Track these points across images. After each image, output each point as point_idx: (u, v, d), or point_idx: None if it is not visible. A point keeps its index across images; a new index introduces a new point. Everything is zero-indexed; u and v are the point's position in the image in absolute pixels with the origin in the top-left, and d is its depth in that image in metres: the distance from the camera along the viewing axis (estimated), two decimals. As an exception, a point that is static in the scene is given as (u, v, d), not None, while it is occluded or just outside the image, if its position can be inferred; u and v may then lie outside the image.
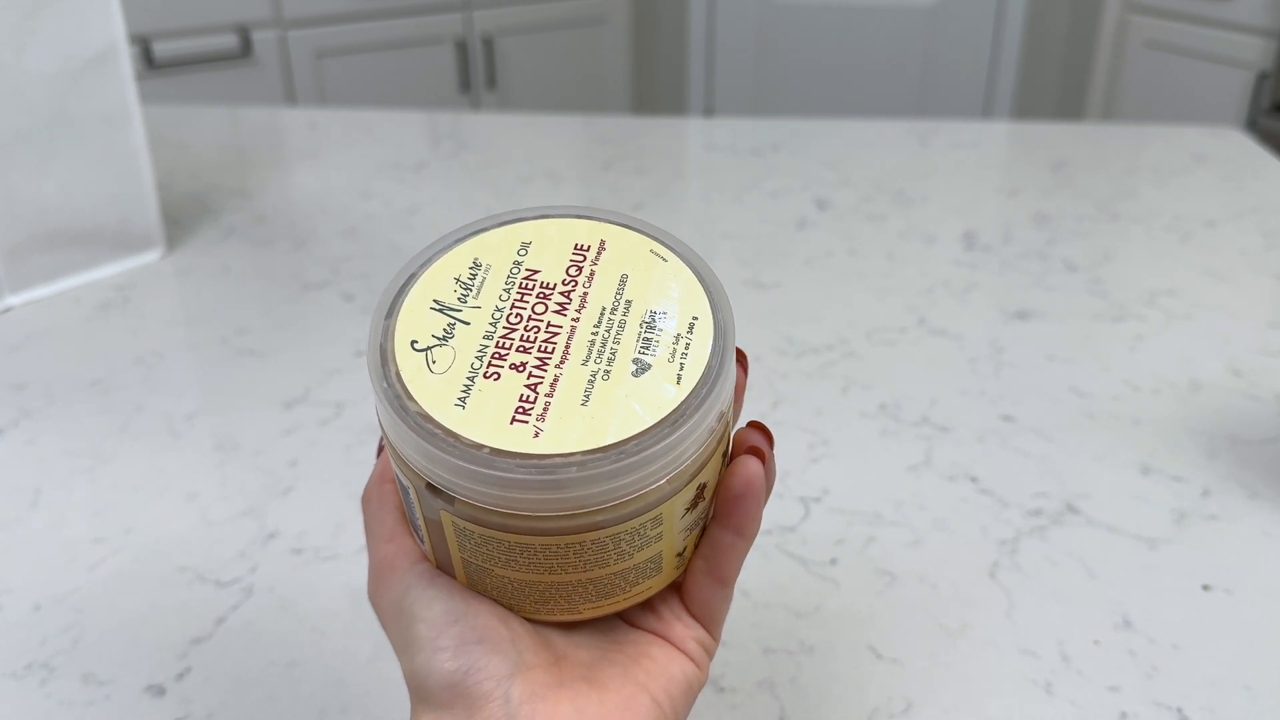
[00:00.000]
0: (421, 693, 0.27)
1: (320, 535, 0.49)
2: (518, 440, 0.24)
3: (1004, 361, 0.64)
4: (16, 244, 0.71)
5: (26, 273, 0.72)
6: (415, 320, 0.26)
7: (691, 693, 0.29)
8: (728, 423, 0.27)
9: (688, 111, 2.56)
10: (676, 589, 0.30)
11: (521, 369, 0.25)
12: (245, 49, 1.90)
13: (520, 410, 0.24)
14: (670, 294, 0.27)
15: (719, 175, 0.99)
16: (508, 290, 0.27)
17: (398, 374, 0.25)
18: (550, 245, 0.28)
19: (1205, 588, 0.46)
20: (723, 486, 0.28)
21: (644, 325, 0.26)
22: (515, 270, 0.27)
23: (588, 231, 0.29)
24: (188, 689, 0.41)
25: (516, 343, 0.26)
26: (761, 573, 0.46)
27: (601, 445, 0.24)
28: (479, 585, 0.28)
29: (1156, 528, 0.49)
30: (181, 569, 0.47)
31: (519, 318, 0.26)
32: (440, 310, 0.26)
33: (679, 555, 0.28)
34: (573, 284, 0.27)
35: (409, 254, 0.80)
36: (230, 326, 0.69)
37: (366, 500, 0.30)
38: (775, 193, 0.93)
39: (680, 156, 1.06)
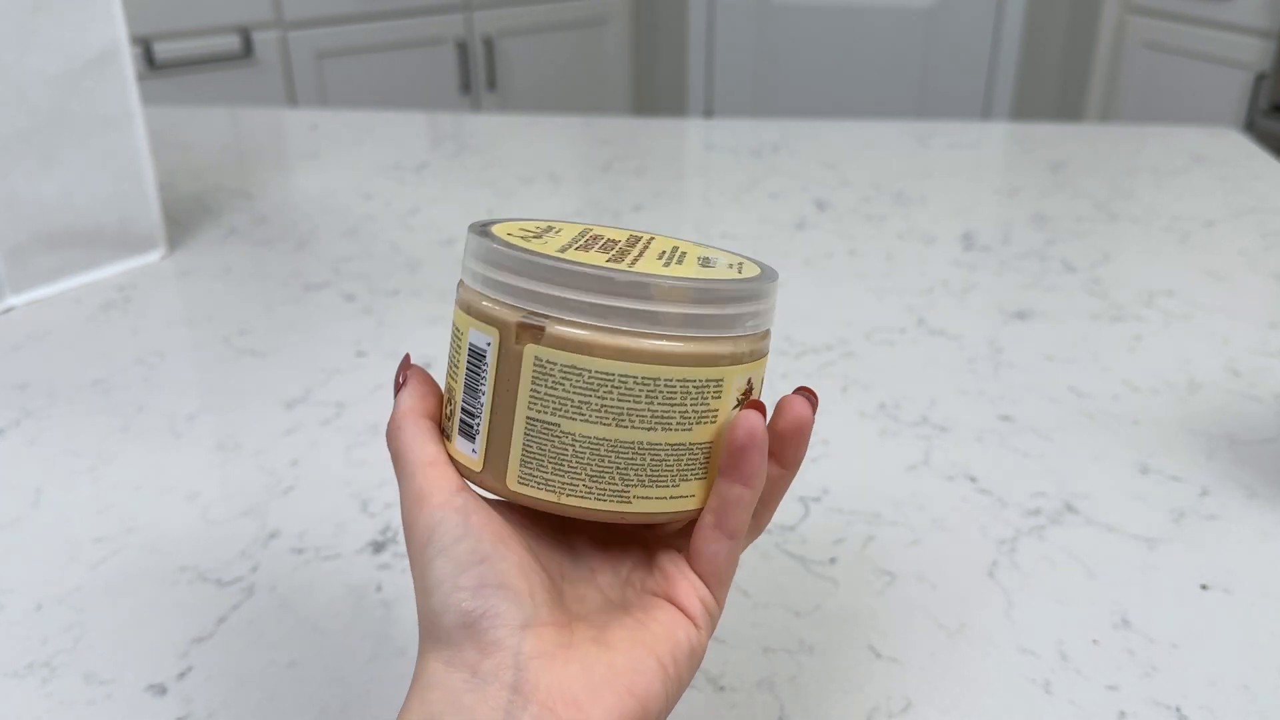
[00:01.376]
0: (434, 630, 0.27)
1: (321, 535, 0.49)
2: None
3: (1003, 361, 0.64)
4: (18, 244, 0.71)
5: (28, 273, 0.72)
6: (507, 230, 0.30)
7: (695, 657, 0.29)
8: (758, 379, 0.31)
9: (687, 112, 2.56)
10: (683, 551, 0.31)
11: (610, 247, 0.30)
12: (246, 50, 1.90)
13: (612, 260, 0.28)
14: (718, 251, 0.32)
15: (719, 176, 0.99)
16: (576, 240, 0.30)
17: (501, 239, 0.29)
18: (607, 231, 0.32)
19: (1204, 587, 0.46)
20: (727, 439, 0.29)
21: (700, 260, 0.30)
22: (581, 234, 0.31)
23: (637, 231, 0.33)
24: (189, 688, 0.41)
25: (600, 242, 0.30)
26: (761, 572, 0.47)
27: (705, 278, 0.28)
28: (536, 458, 0.28)
29: (1155, 527, 0.49)
30: (183, 568, 0.47)
31: (599, 235, 0.31)
32: (524, 237, 0.30)
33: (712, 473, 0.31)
34: (634, 241, 0.31)
35: (410, 254, 0.80)
36: (231, 326, 0.69)
37: (397, 430, 0.30)
38: (775, 193, 0.93)
39: (680, 157, 1.06)
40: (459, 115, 1.22)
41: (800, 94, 2.48)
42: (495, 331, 0.28)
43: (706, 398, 0.28)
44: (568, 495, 0.28)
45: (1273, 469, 0.54)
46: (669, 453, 0.29)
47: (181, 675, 0.41)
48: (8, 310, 0.71)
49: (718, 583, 0.30)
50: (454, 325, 0.30)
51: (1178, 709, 0.39)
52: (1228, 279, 0.76)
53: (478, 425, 0.29)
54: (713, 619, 0.30)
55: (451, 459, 0.30)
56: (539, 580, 0.28)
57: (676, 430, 0.28)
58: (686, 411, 0.28)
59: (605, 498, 0.29)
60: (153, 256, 0.79)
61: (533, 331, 0.27)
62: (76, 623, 0.44)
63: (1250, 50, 1.89)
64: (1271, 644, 0.43)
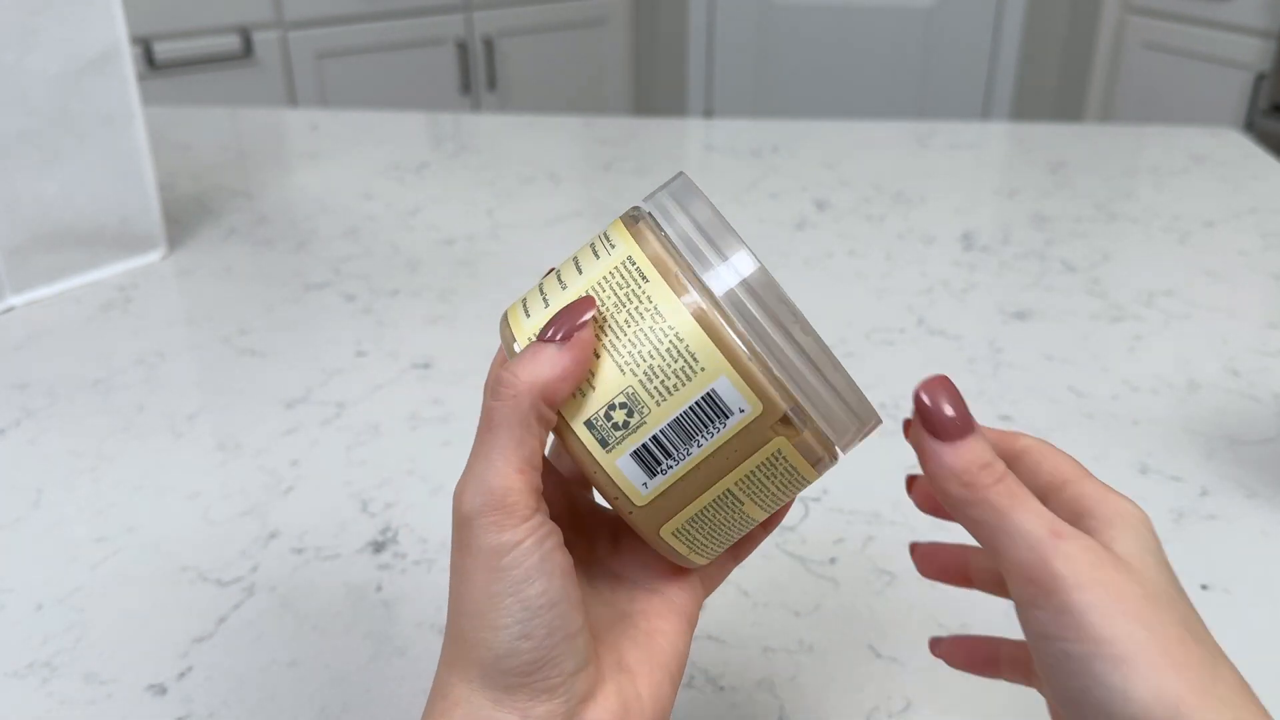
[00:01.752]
0: (491, 670, 0.25)
1: (321, 535, 0.49)
2: None
3: (1002, 361, 0.64)
4: (18, 244, 0.71)
5: (28, 273, 0.72)
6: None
7: (685, 664, 0.30)
8: None
9: (687, 112, 2.56)
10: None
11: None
12: (247, 50, 1.90)
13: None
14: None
15: (719, 176, 0.99)
16: None
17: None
18: None
19: (1204, 587, 0.46)
20: None
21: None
22: None
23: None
24: (189, 688, 0.41)
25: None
26: (761, 572, 0.47)
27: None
28: (705, 523, 0.27)
29: (1156, 527, 0.49)
30: (183, 568, 0.47)
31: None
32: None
33: None
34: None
35: (410, 254, 0.80)
36: (232, 326, 0.69)
37: (516, 398, 0.25)
38: (774, 193, 0.93)
39: (680, 157, 1.06)
40: (459, 115, 1.22)
41: (800, 94, 2.48)
42: (758, 405, 0.25)
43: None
44: (697, 555, 0.28)
45: (1272, 469, 0.54)
46: (772, 521, 0.30)
47: (182, 675, 0.41)
48: (8, 310, 0.71)
49: (711, 588, 0.32)
50: (669, 323, 0.25)
51: (1177, 709, 0.39)
52: (1227, 279, 0.76)
53: (667, 467, 0.26)
54: (699, 605, 0.31)
55: (579, 454, 0.26)
56: (582, 611, 0.27)
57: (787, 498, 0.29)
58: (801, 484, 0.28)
59: (708, 556, 0.29)
60: (153, 256, 0.79)
61: (791, 429, 0.25)
62: (77, 622, 0.44)
63: (1250, 50, 1.89)
64: (1273, 644, 0.43)
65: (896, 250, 0.81)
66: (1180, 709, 0.23)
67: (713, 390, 0.25)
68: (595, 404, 0.25)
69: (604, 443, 0.26)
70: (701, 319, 0.25)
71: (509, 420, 0.25)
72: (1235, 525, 0.50)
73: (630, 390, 0.25)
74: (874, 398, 0.60)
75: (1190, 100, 2.01)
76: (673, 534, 0.27)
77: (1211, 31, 1.95)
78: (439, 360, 0.64)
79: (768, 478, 0.26)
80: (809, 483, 0.27)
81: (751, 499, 0.27)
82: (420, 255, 0.80)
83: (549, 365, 0.25)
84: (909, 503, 0.51)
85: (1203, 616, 0.27)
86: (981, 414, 0.59)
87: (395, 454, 0.55)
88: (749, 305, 0.25)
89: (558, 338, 0.25)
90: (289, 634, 0.43)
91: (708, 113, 2.54)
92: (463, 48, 2.17)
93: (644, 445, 0.25)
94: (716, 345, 0.25)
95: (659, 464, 0.26)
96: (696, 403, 0.25)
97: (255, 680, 0.41)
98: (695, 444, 0.25)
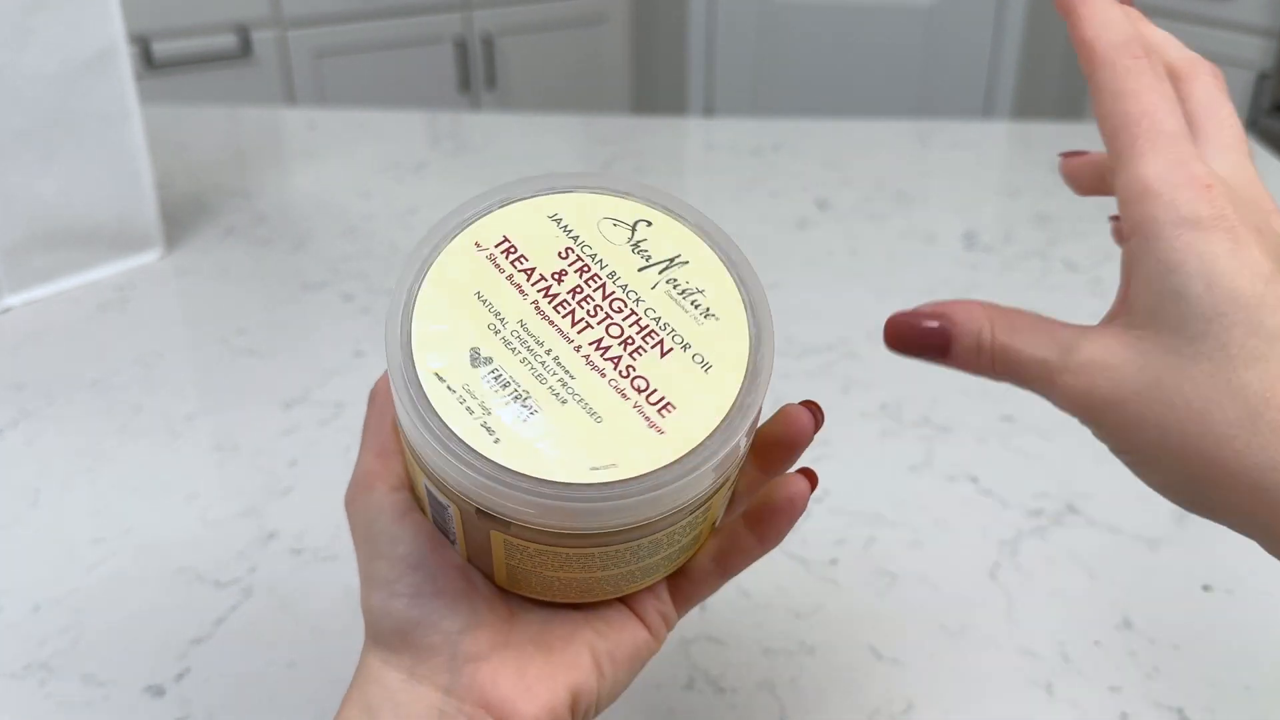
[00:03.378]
0: (374, 630, 0.27)
1: (320, 535, 0.49)
2: (575, 470, 0.23)
3: (1004, 361, 0.64)
4: (16, 244, 0.71)
5: (26, 273, 0.72)
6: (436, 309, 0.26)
7: (638, 660, 0.29)
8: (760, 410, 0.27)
9: (688, 111, 2.56)
10: None
11: (588, 313, 0.25)
12: (245, 49, 1.90)
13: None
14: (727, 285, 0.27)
15: (719, 175, 0.99)
16: (547, 291, 0.26)
17: (410, 335, 0.25)
18: (600, 249, 0.27)
19: (1206, 588, 0.45)
20: (767, 496, 0.29)
21: (701, 315, 0.26)
22: (559, 275, 0.26)
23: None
24: (187, 689, 0.41)
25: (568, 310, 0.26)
26: (762, 573, 0.46)
27: (665, 463, 0.23)
28: (521, 585, 0.27)
29: (1157, 528, 0.49)
30: (181, 569, 0.47)
31: (566, 303, 0.26)
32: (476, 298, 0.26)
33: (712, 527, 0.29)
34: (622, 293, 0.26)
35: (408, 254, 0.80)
36: (229, 326, 0.69)
37: (373, 399, 0.30)
38: (775, 192, 0.93)
39: (680, 156, 1.06)
40: (458, 114, 1.22)
41: (801, 92, 2.47)
42: (453, 506, 0.25)
43: (697, 522, 0.27)
44: (560, 599, 0.28)
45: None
46: (661, 563, 0.28)
47: (179, 676, 0.41)
48: (5, 310, 0.71)
49: (687, 603, 0.30)
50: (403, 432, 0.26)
51: (1180, 710, 0.39)
52: (1229, 278, 0.76)
53: (453, 536, 0.27)
54: (668, 627, 0.30)
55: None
56: (479, 575, 0.28)
57: (665, 551, 0.27)
58: (675, 540, 0.27)
59: (595, 597, 0.28)
60: (150, 256, 0.78)
61: (498, 522, 0.25)
62: (74, 624, 0.44)
63: (1253, 49, 1.89)
64: (1274, 645, 0.42)
65: (898, 250, 0.81)
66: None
67: (427, 491, 0.26)
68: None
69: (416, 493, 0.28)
70: (402, 431, 0.26)
71: (369, 417, 0.29)
72: (1238, 526, 0.49)
73: (405, 453, 0.28)
74: (875, 398, 0.60)
75: (1191, 99, 2.01)
76: (506, 587, 0.28)
77: (1214, 30, 1.95)
78: (438, 360, 0.64)
79: (536, 559, 0.26)
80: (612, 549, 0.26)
81: (547, 570, 0.26)
82: (419, 254, 0.80)
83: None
84: (910, 503, 0.51)
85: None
86: (984, 414, 0.59)
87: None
88: (412, 423, 0.24)
89: None
90: (287, 635, 0.43)
91: (708, 111, 2.54)
92: (461, 46, 2.16)
93: (431, 516, 0.28)
94: (408, 449, 0.26)
95: (447, 533, 0.27)
96: (429, 501, 0.27)
97: (253, 682, 0.41)
98: (450, 532, 0.27)
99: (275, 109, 1.23)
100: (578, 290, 0.25)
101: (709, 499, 0.26)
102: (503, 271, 0.25)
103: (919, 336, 0.27)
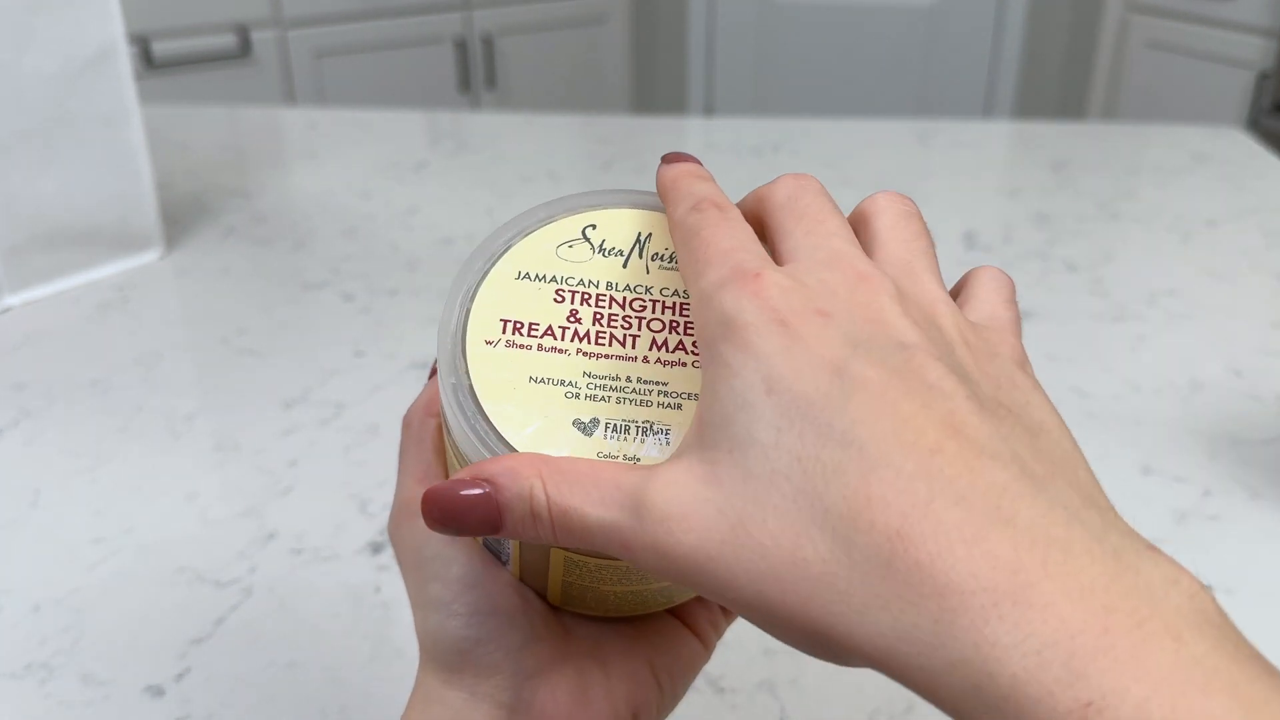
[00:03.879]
0: (432, 651, 0.27)
1: (320, 535, 0.49)
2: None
3: (1004, 361, 0.64)
4: (16, 244, 0.71)
5: (26, 273, 0.72)
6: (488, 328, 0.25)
7: (694, 670, 0.29)
8: None
9: (688, 111, 2.56)
10: None
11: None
12: (245, 48, 1.90)
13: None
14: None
15: (719, 175, 0.98)
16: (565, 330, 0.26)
17: (464, 349, 0.24)
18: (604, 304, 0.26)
19: (1206, 588, 0.45)
20: None
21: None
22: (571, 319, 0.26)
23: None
24: (187, 689, 0.41)
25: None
26: (762, 573, 0.46)
27: None
28: (575, 602, 0.27)
29: (1157, 528, 0.49)
30: (181, 569, 0.47)
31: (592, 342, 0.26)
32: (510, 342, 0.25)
33: None
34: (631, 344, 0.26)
35: (409, 254, 0.80)
36: (230, 326, 0.69)
37: (408, 425, 0.29)
38: (775, 192, 0.93)
39: (680, 156, 1.06)
40: (458, 114, 1.22)
41: (801, 92, 2.47)
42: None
43: None
44: (613, 614, 0.28)
45: (1275, 469, 0.54)
46: None
47: (180, 676, 0.41)
48: (5, 310, 0.71)
49: (732, 614, 0.30)
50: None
51: (1181, 711, 0.39)
52: (1230, 279, 0.76)
53: (505, 556, 0.27)
54: (718, 635, 0.30)
55: None
56: (533, 595, 0.28)
57: None
58: None
59: (652, 609, 0.28)
60: (151, 256, 0.78)
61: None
62: (74, 624, 0.44)
63: (1253, 49, 1.89)
64: (1275, 645, 0.42)
65: (897, 249, 0.81)
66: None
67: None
68: None
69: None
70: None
71: (406, 443, 0.29)
72: (1238, 526, 0.49)
73: (449, 451, 0.28)
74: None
75: (1193, 99, 2.01)
76: (560, 605, 0.28)
77: (1214, 30, 1.95)
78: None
79: (596, 573, 0.26)
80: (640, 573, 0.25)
81: (604, 584, 0.26)
82: (419, 255, 0.80)
83: (426, 388, 0.29)
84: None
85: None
86: (983, 414, 0.58)
87: (393, 455, 0.55)
88: (469, 438, 0.24)
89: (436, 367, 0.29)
90: (287, 635, 0.43)
91: (708, 111, 2.54)
92: (462, 46, 2.16)
93: (489, 543, 0.27)
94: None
95: (500, 553, 0.27)
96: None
97: (253, 681, 0.41)
98: (504, 553, 0.27)
99: (275, 109, 1.23)
100: (598, 317, 0.25)
101: None
102: (529, 348, 0.25)
103: (462, 509, 0.22)
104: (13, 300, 0.72)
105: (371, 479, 0.53)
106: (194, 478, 0.53)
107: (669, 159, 0.26)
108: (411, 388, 0.61)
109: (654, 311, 0.25)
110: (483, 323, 0.25)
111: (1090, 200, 0.91)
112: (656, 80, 2.57)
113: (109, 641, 0.43)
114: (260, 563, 0.47)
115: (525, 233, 0.27)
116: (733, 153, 1.04)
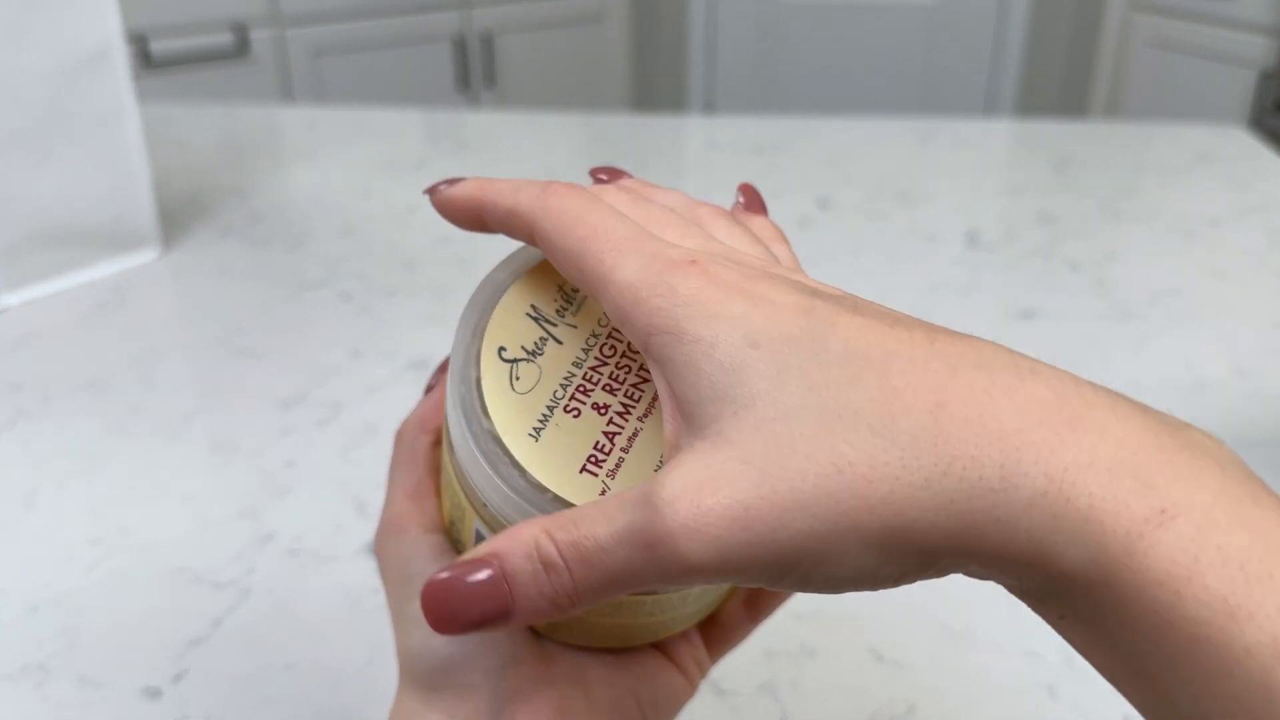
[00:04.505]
0: (412, 670, 0.26)
1: (318, 536, 0.49)
2: (582, 493, 0.22)
3: (1006, 361, 0.64)
4: (12, 243, 0.70)
5: (22, 272, 0.71)
6: (508, 324, 0.24)
7: (677, 705, 0.28)
8: None
9: (688, 109, 2.56)
10: None
11: (604, 411, 0.23)
12: (242, 47, 1.90)
13: (593, 460, 0.23)
14: None
15: (719, 173, 0.98)
16: (553, 408, 0.24)
17: (478, 380, 0.23)
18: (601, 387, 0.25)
19: (1210, 590, 0.45)
20: None
21: None
22: (561, 393, 0.24)
23: None
24: (184, 691, 0.40)
25: (605, 379, 0.24)
26: (763, 574, 0.46)
27: None
28: (560, 631, 0.27)
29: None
30: (178, 570, 0.47)
31: (613, 350, 0.24)
32: (536, 320, 0.24)
33: None
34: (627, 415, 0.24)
35: (407, 253, 0.80)
36: (227, 326, 0.69)
37: (400, 440, 0.29)
38: (776, 191, 0.92)
39: (680, 155, 1.06)
40: (457, 112, 1.21)
41: (802, 91, 2.47)
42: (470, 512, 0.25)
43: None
44: (596, 645, 0.28)
45: (1276, 468, 0.53)
46: (698, 614, 0.28)
47: (176, 678, 0.41)
48: (2, 310, 0.71)
49: (720, 650, 0.30)
50: (455, 482, 0.25)
51: (1185, 714, 0.39)
52: (1233, 278, 0.75)
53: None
54: (703, 674, 0.29)
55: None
56: None
57: (703, 609, 0.27)
58: (713, 593, 0.27)
59: (636, 643, 0.28)
60: (148, 255, 0.78)
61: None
62: (71, 625, 0.43)
63: (1256, 48, 1.88)
64: None
65: (899, 249, 0.81)
66: None
67: (478, 530, 0.26)
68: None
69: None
70: (465, 493, 0.26)
71: (398, 458, 0.29)
72: (1242, 527, 0.49)
73: (444, 497, 0.28)
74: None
75: (1195, 98, 2.01)
76: (543, 630, 0.27)
77: (1217, 29, 1.95)
78: (436, 360, 0.64)
79: (573, 629, 0.26)
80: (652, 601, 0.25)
81: (583, 638, 0.26)
82: (417, 254, 0.80)
83: (422, 403, 0.29)
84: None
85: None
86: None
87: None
88: (499, 501, 0.24)
89: (433, 382, 0.30)
90: (285, 637, 0.43)
91: (708, 110, 2.54)
92: (460, 44, 2.16)
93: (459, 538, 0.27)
94: (473, 509, 0.26)
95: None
96: (479, 538, 0.26)
97: (251, 683, 0.41)
98: None
99: (273, 107, 1.23)
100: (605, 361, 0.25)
101: None
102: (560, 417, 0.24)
103: (474, 599, 0.21)
104: (9, 300, 0.71)
105: (369, 480, 0.53)
106: (191, 478, 0.53)
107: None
108: (410, 388, 0.61)
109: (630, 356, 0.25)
110: (497, 404, 0.24)
111: (1093, 199, 0.91)
112: (656, 79, 2.57)
113: (106, 643, 0.43)
114: (258, 564, 0.47)
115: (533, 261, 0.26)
116: (733, 151, 1.04)
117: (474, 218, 0.25)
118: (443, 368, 0.29)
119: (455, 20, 2.14)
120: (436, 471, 0.28)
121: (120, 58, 0.72)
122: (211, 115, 1.16)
